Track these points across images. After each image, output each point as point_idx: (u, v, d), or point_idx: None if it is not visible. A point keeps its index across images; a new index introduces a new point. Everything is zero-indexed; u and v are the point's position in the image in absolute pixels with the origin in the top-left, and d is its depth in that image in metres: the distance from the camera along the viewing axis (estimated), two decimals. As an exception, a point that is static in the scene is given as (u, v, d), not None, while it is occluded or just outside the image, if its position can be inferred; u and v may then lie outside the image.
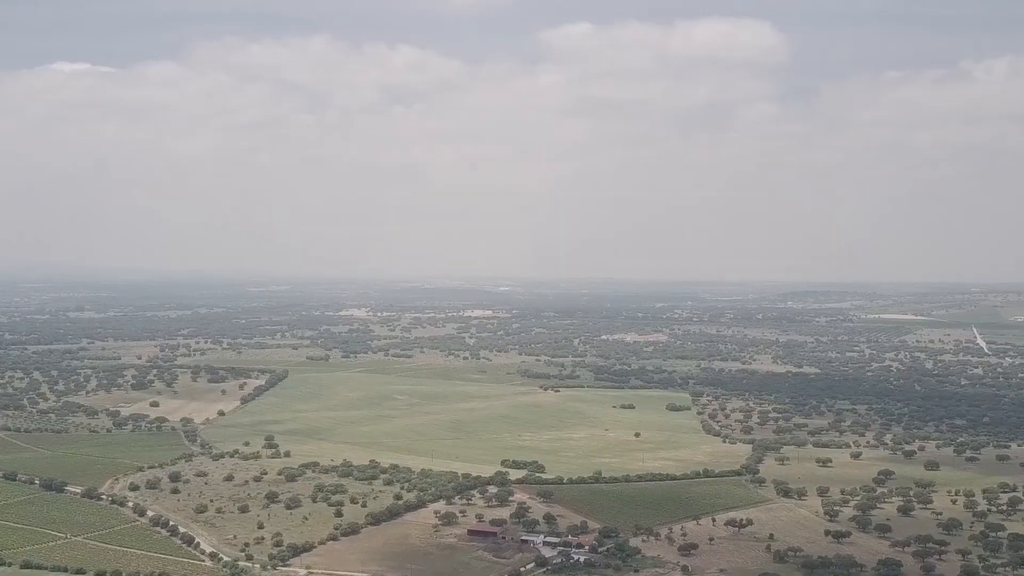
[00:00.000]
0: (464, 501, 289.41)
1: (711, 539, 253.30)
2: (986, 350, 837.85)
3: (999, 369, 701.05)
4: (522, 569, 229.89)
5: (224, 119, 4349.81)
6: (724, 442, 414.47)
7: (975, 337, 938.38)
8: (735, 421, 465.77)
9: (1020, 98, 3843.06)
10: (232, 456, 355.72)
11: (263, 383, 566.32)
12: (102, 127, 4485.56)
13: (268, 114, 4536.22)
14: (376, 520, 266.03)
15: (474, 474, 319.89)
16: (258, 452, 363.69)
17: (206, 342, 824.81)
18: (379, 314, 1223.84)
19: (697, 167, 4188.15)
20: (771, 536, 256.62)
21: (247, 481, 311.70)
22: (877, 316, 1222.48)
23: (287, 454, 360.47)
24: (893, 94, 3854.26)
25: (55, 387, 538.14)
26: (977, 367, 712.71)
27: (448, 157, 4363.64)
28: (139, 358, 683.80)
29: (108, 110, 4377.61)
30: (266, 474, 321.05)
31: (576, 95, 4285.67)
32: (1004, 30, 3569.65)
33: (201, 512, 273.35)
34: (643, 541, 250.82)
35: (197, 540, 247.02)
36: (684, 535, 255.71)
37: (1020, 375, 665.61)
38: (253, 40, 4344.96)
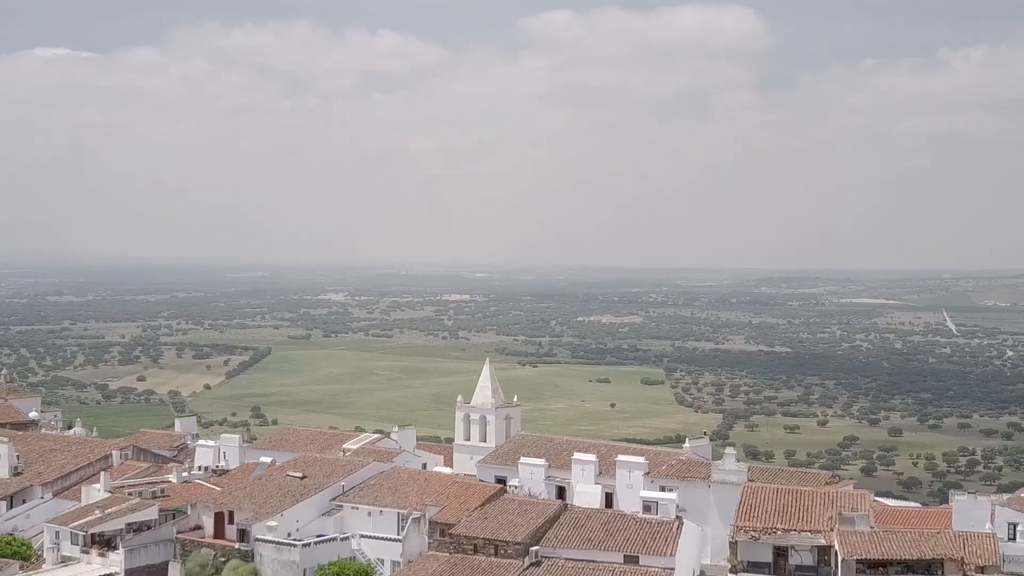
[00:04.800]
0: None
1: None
2: (955, 331, 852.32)
3: (967, 349, 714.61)
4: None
5: (204, 105, 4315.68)
6: (696, 412, 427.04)
7: (945, 319, 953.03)
8: (707, 394, 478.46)
9: (994, 87, 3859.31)
10: (221, 424, 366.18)
11: (247, 359, 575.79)
12: (81, 113, 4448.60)
13: (248, 100, 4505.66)
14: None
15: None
16: (246, 420, 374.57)
17: (187, 323, 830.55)
18: (357, 298, 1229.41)
19: (676, 154, 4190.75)
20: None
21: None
22: (849, 300, 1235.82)
23: (275, 422, 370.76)
24: (870, 82, 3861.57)
25: (43, 363, 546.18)
26: (946, 347, 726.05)
27: (428, 144, 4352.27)
28: (122, 337, 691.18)
29: (87, 96, 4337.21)
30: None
31: (556, 82, 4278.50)
32: (980, 19, 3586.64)
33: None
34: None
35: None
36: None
37: (987, 354, 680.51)
38: (234, 25, 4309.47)
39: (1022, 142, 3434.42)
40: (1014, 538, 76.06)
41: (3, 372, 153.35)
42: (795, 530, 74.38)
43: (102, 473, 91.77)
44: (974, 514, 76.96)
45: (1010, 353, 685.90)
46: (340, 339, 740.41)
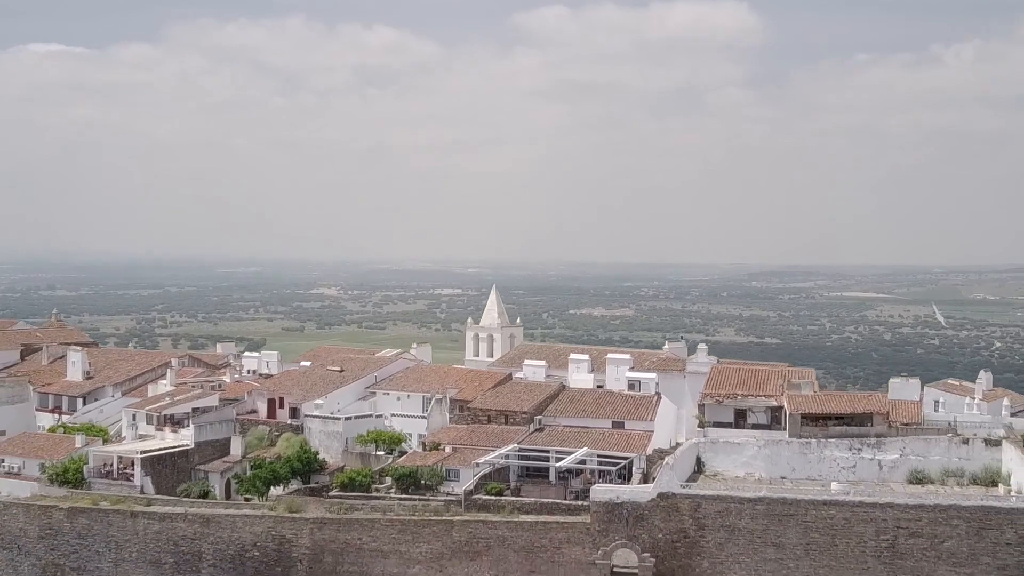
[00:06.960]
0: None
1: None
2: (944, 324, 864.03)
3: (955, 340, 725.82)
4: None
5: (198, 101, 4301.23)
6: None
7: (934, 312, 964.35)
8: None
9: (986, 82, 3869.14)
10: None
11: (242, 349, 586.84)
12: (76, 109, 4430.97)
13: (243, 96, 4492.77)
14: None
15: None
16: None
17: (181, 316, 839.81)
18: (350, 292, 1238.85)
19: (670, 150, 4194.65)
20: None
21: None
22: (839, 294, 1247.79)
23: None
24: (863, 78, 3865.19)
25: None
26: (934, 339, 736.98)
27: (422, 139, 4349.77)
28: (117, 329, 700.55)
29: (82, 92, 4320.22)
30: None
31: (551, 79, 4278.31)
32: (972, 16, 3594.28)
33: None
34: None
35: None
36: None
37: (975, 345, 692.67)
38: (228, 21, 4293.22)
39: (1014, 138, 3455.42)
40: (937, 410, 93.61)
41: (55, 311, 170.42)
42: (752, 395, 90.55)
43: (168, 370, 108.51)
44: (905, 392, 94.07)
45: (998, 344, 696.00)
46: (333, 331, 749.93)
